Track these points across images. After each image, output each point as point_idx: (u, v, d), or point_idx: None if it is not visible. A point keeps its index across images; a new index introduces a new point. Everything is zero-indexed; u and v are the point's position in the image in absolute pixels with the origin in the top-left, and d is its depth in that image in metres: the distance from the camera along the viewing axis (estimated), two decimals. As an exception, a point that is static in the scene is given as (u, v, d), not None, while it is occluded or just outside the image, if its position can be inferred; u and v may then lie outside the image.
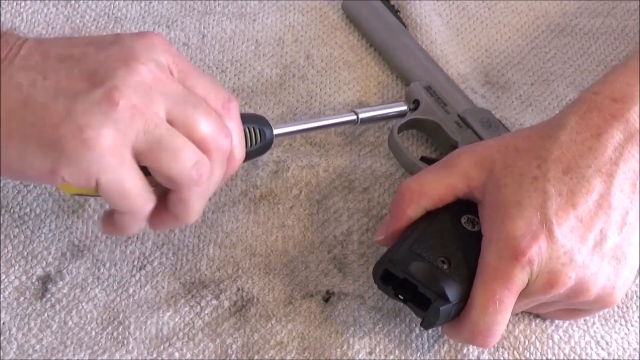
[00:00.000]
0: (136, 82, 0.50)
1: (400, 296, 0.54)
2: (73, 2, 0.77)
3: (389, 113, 0.67)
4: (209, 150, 0.52)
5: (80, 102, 0.48)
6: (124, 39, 0.52)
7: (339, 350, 0.56)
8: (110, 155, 0.48)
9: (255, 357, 0.56)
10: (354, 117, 0.65)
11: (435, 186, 0.55)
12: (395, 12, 0.76)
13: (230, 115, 0.54)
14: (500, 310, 0.51)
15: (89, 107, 0.48)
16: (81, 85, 0.49)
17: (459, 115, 0.67)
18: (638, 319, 0.60)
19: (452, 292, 0.52)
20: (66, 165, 0.48)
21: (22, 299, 0.58)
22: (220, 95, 0.54)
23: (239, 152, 0.56)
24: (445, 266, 0.53)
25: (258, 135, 0.59)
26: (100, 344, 0.56)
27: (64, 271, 0.59)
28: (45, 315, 0.57)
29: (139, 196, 0.51)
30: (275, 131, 0.60)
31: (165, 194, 0.53)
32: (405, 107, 0.67)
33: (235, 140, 0.55)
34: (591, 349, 0.58)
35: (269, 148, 0.59)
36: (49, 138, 0.48)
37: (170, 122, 0.51)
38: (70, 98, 0.48)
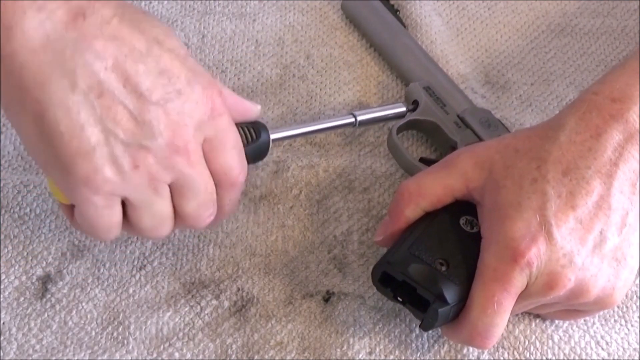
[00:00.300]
0: (165, 155, 0.50)
1: (399, 298, 0.54)
2: (73, 2, 0.77)
3: (387, 115, 0.67)
4: (182, 224, 0.54)
5: (110, 143, 0.48)
6: (190, 94, 0.51)
7: (339, 350, 0.56)
8: (101, 198, 0.49)
9: (255, 357, 0.56)
10: (352, 119, 0.65)
11: (434, 187, 0.55)
12: (394, 12, 0.76)
13: (234, 191, 0.55)
14: (498, 311, 0.51)
15: (114, 155, 0.48)
16: (123, 126, 0.48)
17: (458, 116, 0.67)
18: (638, 319, 0.60)
19: (450, 293, 0.52)
20: (61, 181, 0.50)
21: (22, 299, 0.58)
22: (233, 173, 0.54)
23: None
24: (443, 268, 0.53)
25: (254, 137, 0.58)
26: (100, 344, 0.56)
27: (64, 271, 0.59)
28: (45, 315, 0.57)
29: (105, 233, 0.52)
30: (273, 136, 0.59)
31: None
32: (403, 108, 0.67)
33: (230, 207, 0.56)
34: (591, 349, 0.58)
35: (266, 154, 0.59)
36: (64, 158, 0.48)
37: (170, 184, 0.52)
38: (106, 133, 0.48)
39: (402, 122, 0.66)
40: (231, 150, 0.54)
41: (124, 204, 0.51)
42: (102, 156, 0.48)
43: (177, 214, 0.53)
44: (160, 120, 0.49)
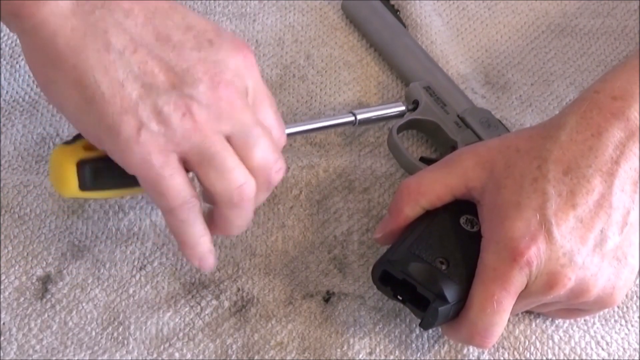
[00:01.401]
0: (211, 102, 0.50)
1: (399, 297, 0.54)
2: (73, 2, 0.76)
3: (387, 114, 0.67)
4: (257, 178, 0.52)
5: (152, 96, 0.49)
6: (221, 45, 0.52)
7: (339, 350, 0.56)
8: (155, 155, 0.49)
9: (256, 358, 0.56)
10: (352, 118, 0.65)
11: (433, 185, 0.55)
12: (395, 12, 0.76)
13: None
14: (498, 311, 0.51)
15: (158, 106, 0.49)
16: (162, 78, 0.49)
17: (458, 116, 0.67)
18: (638, 319, 0.59)
19: (450, 292, 0.52)
20: (112, 145, 0.49)
21: (22, 299, 0.58)
22: (275, 133, 0.54)
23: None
24: (443, 267, 0.53)
25: None
26: (100, 344, 0.56)
27: (64, 271, 0.59)
28: (46, 315, 0.57)
29: (177, 197, 0.51)
30: None
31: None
32: (403, 108, 0.67)
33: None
34: (591, 349, 0.58)
35: None
36: (109, 118, 0.48)
37: (229, 141, 0.51)
38: (147, 88, 0.49)
39: (402, 121, 0.66)
40: (271, 107, 0.54)
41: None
42: (145, 109, 0.48)
43: (250, 172, 0.52)
44: (198, 68, 0.50)
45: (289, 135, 0.62)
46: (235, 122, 0.51)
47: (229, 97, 0.51)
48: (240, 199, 0.52)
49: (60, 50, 0.48)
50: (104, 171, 0.53)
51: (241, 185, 0.51)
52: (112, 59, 0.48)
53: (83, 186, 0.52)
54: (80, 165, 0.52)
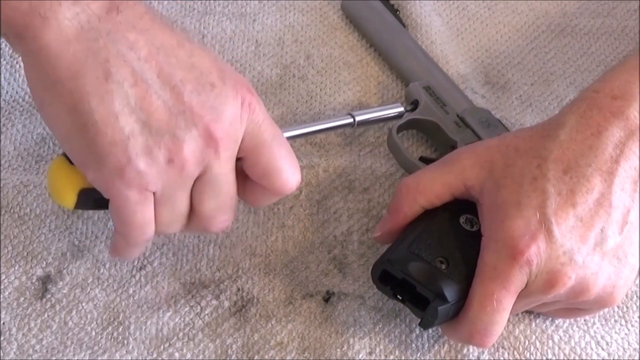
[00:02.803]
0: (200, 150, 0.50)
1: (398, 296, 0.54)
2: (73, 2, 0.76)
3: (385, 115, 0.66)
4: (195, 224, 0.54)
5: (144, 135, 0.48)
6: (222, 88, 0.51)
7: (339, 350, 0.56)
8: (134, 193, 0.49)
9: (256, 358, 0.56)
10: (351, 120, 0.65)
11: (432, 184, 0.55)
12: (394, 12, 0.76)
13: (274, 198, 0.56)
14: (498, 309, 0.51)
15: (148, 146, 0.49)
16: (157, 117, 0.49)
17: (458, 115, 0.67)
18: (638, 319, 0.59)
19: (450, 292, 0.52)
20: (95, 173, 0.49)
21: (22, 299, 0.58)
22: (281, 177, 0.54)
23: None
24: (443, 266, 0.53)
25: None
26: (100, 344, 0.56)
27: (64, 271, 0.59)
28: (45, 315, 0.57)
29: (138, 230, 0.52)
30: None
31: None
32: (401, 109, 0.67)
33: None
34: (591, 349, 0.58)
35: None
36: (98, 147, 0.48)
37: (195, 179, 0.52)
38: (140, 124, 0.48)
39: (402, 121, 0.66)
40: (276, 147, 0.53)
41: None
42: (136, 146, 0.48)
43: (193, 212, 0.53)
44: (194, 112, 0.49)
45: (287, 139, 0.62)
46: (209, 169, 0.51)
47: (215, 145, 0.50)
48: (165, 234, 0.55)
49: (59, 74, 0.48)
50: (104, 201, 0.53)
51: (174, 228, 0.54)
52: (110, 89, 0.48)
53: (79, 207, 0.54)
54: (82, 193, 0.53)
